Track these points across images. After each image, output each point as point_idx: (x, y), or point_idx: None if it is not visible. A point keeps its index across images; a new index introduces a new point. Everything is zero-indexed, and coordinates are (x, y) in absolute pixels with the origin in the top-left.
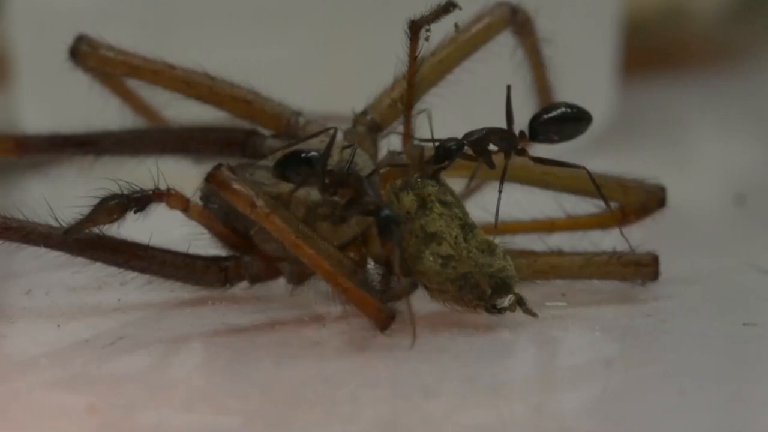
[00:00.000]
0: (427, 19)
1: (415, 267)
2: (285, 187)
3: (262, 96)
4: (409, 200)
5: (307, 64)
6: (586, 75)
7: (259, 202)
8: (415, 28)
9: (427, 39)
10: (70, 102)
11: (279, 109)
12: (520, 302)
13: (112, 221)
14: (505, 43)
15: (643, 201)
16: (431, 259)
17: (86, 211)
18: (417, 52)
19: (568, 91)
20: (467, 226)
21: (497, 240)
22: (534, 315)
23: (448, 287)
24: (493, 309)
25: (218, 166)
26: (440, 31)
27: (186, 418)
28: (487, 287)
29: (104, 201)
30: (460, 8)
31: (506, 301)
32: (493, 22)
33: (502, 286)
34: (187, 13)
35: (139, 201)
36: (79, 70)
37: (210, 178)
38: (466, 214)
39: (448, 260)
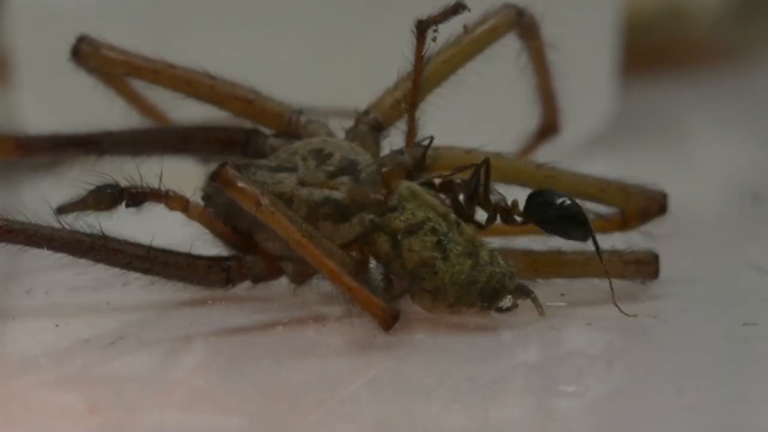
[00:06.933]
0: (435, 20)
1: (415, 302)
2: (287, 186)
3: (262, 95)
4: (382, 242)
5: (307, 64)
6: (586, 75)
7: (264, 201)
8: (422, 27)
9: (434, 39)
10: (71, 102)
11: (280, 108)
12: (523, 292)
13: (100, 210)
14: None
15: (644, 206)
16: (421, 294)
17: (82, 193)
18: (423, 52)
19: (569, 91)
20: (444, 239)
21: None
22: (540, 309)
23: (451, 310)
24: (499, 311)
25: (223, 165)
26: (445, 31)
27: (186, 418)
28: (480, 304)
29: (99, 188)
30: (469, 10)
31: (506, 301)
32: (499, 24)
33: (495, 294)
34: (187, 13)
35: (133, 196)
36: (81, 70)
37: (215, 177)
38: (439, 221)
39: (436, 292)
